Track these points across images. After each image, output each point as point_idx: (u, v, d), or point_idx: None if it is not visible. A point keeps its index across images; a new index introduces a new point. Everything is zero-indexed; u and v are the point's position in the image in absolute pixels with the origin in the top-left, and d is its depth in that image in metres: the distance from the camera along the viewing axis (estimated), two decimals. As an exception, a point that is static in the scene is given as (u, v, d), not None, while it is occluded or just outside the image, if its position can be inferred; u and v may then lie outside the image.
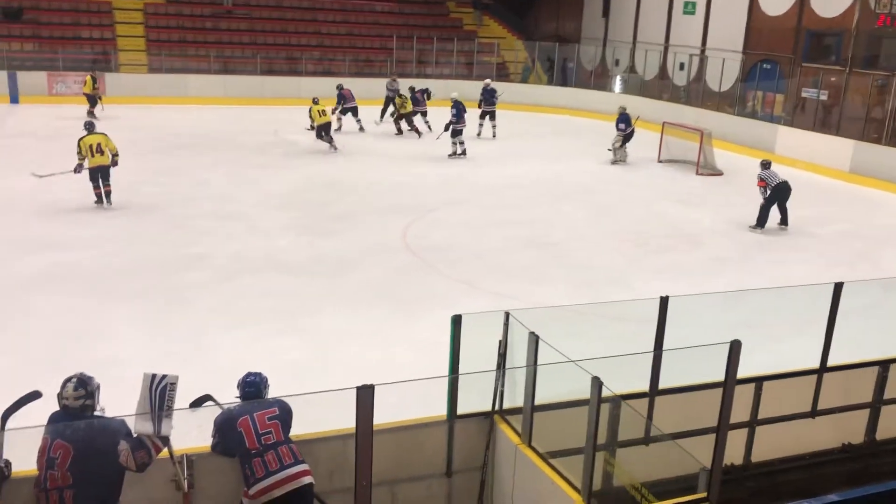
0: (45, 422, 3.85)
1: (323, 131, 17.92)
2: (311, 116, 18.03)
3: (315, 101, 17.90)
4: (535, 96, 26.96)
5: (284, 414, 4.29)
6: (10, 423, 3.81)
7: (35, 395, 3.89)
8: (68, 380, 3.83)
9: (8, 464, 3.79)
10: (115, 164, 12.34)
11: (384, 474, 4.12)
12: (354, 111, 20.43)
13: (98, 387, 3.93)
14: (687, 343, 4.56)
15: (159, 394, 3.63)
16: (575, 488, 4.22)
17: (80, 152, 12.14)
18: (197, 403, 4.23)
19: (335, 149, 17.84)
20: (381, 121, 21.61)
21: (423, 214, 13.09)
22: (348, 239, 11.55)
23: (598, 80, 27.92)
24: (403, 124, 20.58)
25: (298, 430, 4.37)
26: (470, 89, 23.02)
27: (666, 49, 26.47)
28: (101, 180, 12.27)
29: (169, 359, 6.79)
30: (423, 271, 10.37)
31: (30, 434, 3.69)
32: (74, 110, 19.58)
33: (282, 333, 8.07)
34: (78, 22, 26.10)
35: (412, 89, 21.12)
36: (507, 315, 4.85)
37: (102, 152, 12.13)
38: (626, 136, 18.19)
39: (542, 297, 9.01)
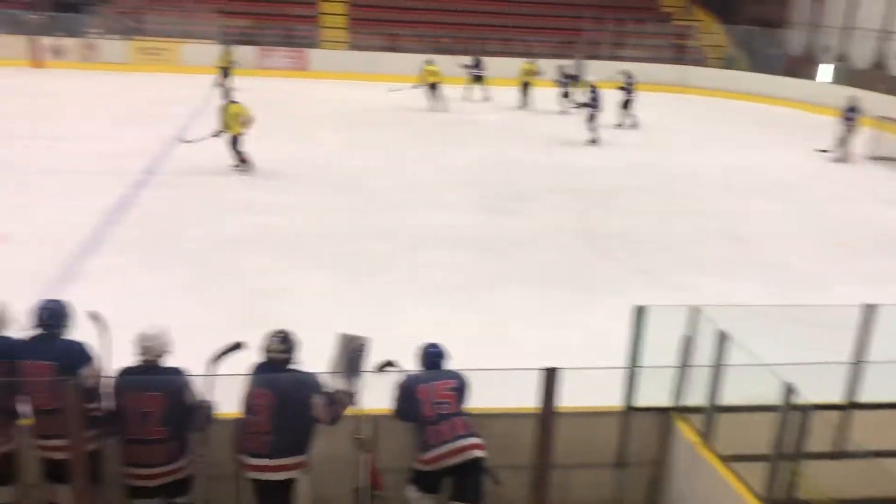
0: (247, 371, 4.18)
1: (433, 89, 20.26)
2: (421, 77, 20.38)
3: (429, 62, 20.59)
4: (734, 82, 25.60)
5: (462, 387, 4.40)
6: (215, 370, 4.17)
7: (239, 346, 4.23)
8: (273, 334, 4.14)
9: (212, 405, 4.16)
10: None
11: (556, 457, 4.12)
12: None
13: (297, 343, 4.21)
14: (892, 357, 4.20)
15: (351, 353, 3.84)
16: (756, 495, 4.03)
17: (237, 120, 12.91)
18: (381, 368, 4.43)
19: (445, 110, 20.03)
20: (569, 103, 21.30)
21: (605, 199, 12.86)
22: (527, 219, 11.59)
23: (804, 67, 26.03)
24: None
25: (475, 403, 4.46)
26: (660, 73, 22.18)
27: (884, 36, 24.18)
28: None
29: (352, 324, 7.14)
30: (602, 258, 10.20)
31: (236, 380, 4.04)
32: (281, 83, 20.91)
33: (458, 307, 8.23)
34: (287, 0, 27.79)
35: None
36: (694, 310, 4.67)
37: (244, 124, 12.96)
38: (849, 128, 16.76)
39: (730, 295, 8.58)
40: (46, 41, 24.92)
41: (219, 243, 9.80)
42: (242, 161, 13.11)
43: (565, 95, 21.10)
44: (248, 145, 13.21)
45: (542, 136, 17.84)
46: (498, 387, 4.14)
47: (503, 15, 28.26)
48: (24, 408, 4.22)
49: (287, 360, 4.10)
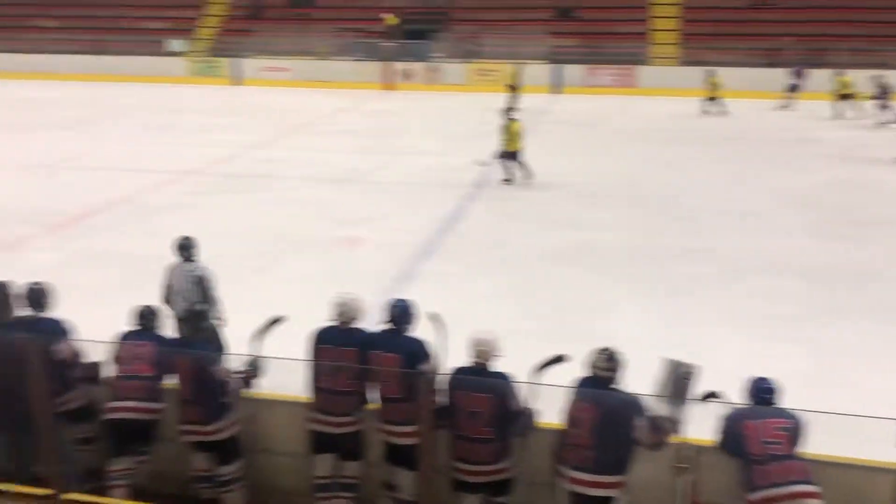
0: (569, 384, 4.27)
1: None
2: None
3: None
4: None
5: (796, 428, 4.07)
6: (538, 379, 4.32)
7: (562, 359, 4.33)
8: (601, 351, 4.19)
9: (534, 413, 4.32)
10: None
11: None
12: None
13: (622, 363, 4.21)
14: None
15: (678, 380, 3.75)
16: None
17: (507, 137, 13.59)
18: (705, 398, 4.26)
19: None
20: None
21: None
22: (871, 248, 10.39)
23: None
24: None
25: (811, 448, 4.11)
26: None
27: None
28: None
29: (665, 347, 6.96)
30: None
31: (557, 392, 4.16)
32: (608, 100, 21.09)
33: (782, 340, 7.62)
34: (615, 18, 27.92)
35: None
36: None
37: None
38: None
39: None
40: (397, 66, 27.78)
41: (540, 255, 10.14)
42: (521, 173, 13.56)
43: (883, 108, 19.11)
44: (553, 160, 13.46)
45: (881, 154, 15.87)
46: (838, 434, 3.77)
47: (853, 23, 25.63)
48: (373, 394, 4.74)
49: (612, 379, 4.12)
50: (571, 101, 21.79)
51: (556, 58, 26.27)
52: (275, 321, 4.89)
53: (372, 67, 27.91)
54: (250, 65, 28.70)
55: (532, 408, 4.30)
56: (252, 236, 10.89)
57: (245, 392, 4.86)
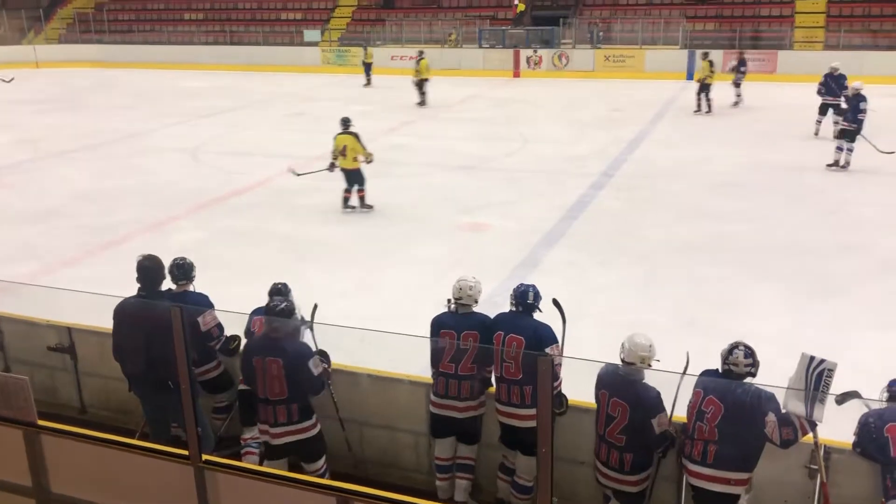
0: (697, 376, 4.14)
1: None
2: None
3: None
4: None
5: (946, 435, 3.77)
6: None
7: (856, 394, 4.05)
8: (738, 346, 3.98)
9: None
10: (368, 161, 11.28)
11: None
12: None
13: (758, 361, 4.03)
14: None
15: (815, 377, 3.56)
16: None
17: (332, 151, 11.43)
18: (843, 397, 4.02)
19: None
20: None
21: None
22: None
23: None
24: None
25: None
26: None
27: None
28: (349, 184, 11.49)
29: (806, 345, 6.61)
30: None
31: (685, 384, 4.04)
32: (747, 87, 20.13)
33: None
34: (758, 0, 26.64)
35: None
36: None
37: (345, 155, 11.25)
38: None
39: None
40: (525, 53, 27.64)
41: (670, 246, 9.85)
42: None
43: None
44: (687, 148, 12.97)
45: None
46: None
47: None
48: (493, 375, 4.78)
49: (747, 375, 3.94)
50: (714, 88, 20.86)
51: (692, 43, 25.35)
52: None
53: (500, 55, 27.89)
54: (380, 53, 29.32)
55: (675, 432, 4.17)
56: (379, 220, 11.17)
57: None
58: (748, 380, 3.94)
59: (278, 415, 4.56)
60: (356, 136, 11.29)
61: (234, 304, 5.10)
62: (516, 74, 27.50)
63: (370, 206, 11.53)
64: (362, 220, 11.23)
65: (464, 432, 4.81)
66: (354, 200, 11.55)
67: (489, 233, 10.59)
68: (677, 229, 10.49)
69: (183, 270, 5.26)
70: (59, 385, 6.03)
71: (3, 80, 25.11)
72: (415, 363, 5.13)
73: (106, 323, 5.17)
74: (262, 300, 5.00)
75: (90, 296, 5.28)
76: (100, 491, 3.57)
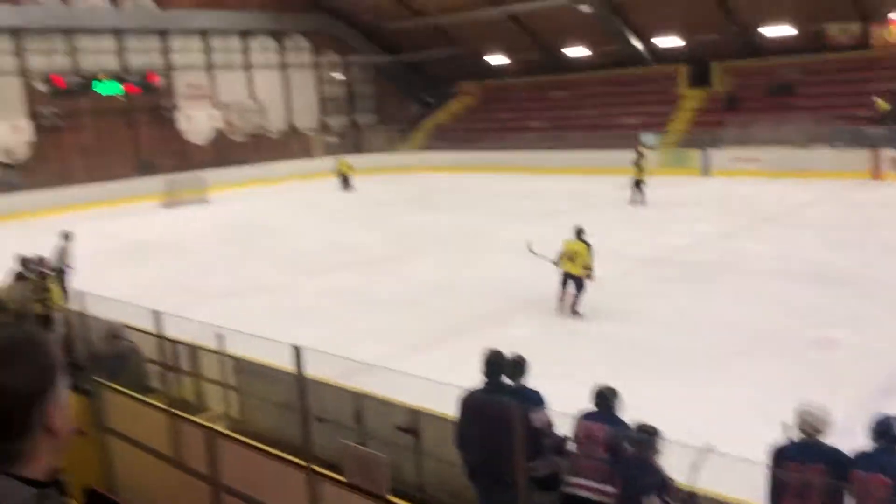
0: None
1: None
2: None
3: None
4: None
5: None
6: None
7: None
8: None
9: None
10: (587, 277, 11.58)
11: None
12: None
13: None
14: None
15: None
16: None
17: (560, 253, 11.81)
18: None
19: None
20: None
21: None
22: None
23: None
24: None
25: None
26: None
27: None
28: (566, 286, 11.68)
29: None
30: None
31: None
32: None
33: None
34: None
35: None
36: None
37: (573, 261, 11.57)
38: None
39: None
40: (886, 153, 25.01)
41: None
42: None
43: None
44: None
45: None
46: None
47: None
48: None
49: None
50: None
51: None
52: (707, 451, 4.24)
53: (855, 155, 25.58)
54: (720, 155, 28.57)
55: None
56: (711, 330, 10.66)
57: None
58: None
59: None
60: (588, 246, 11.78)
61: (562, 403, 5.20)
62: (876, 176, 24.95)
63: (580, 314, 11.59)
64: (697, 328, 10.82)
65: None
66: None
67: (841, 351, 9.56)
68: None
69: (520, 367, 5.51)
70: (402, 463, 6.57)
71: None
72: (750, 490, 4.74)
73: (447, 409, 5.57)
74: (586, 403, 5.03)
75: (435, 382, 5.76)
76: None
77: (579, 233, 12.01)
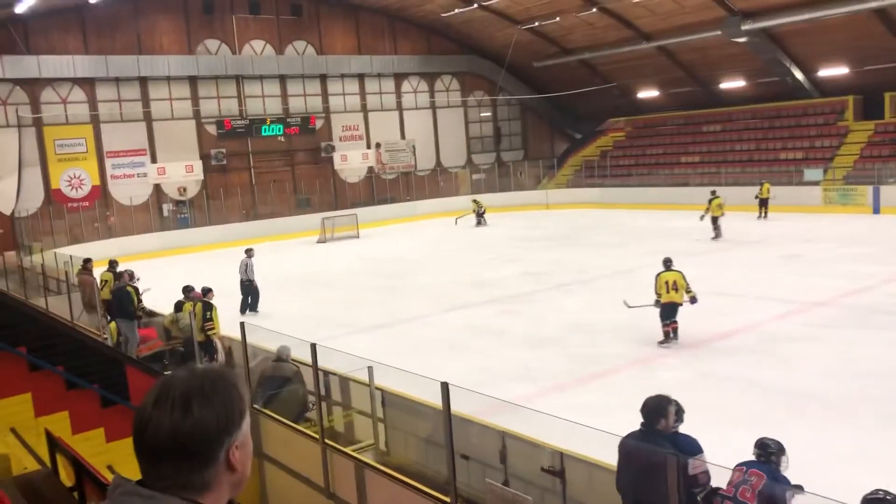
0: None
1: None
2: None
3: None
4: None
5: None
6: None
7: None
8: None
9: None
10: (692, 301, 12.01)
11: None
12: None
13: None
14: None
15: None
16: None
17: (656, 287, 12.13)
18: None
19: None
20: None
21: None
22: None
23: None
24: None
25: None
26: None
27: None
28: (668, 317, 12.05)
29: None
30: None
31: None
32: None
33: None
34: None
35: None
36: None
37: (677, 290, 11.88)
38: None
39: None
40: None
41: None
42: None
43: None
44: None
45: None
46: None
47: None
48: None
49: None
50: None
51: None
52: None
53: None
54: (891, 192, 26.55)
55: None
56: (878, 377, 9.82)
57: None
58: None
59: None
60: (681, 273, 12.14)
61: (712, 452, 4.94)
62: None
63: (676, 340, 12.03)
64: (859, 375, 10.00)
65: None
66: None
67: None
68: None
69: (678, 413, 5.30)
70: (546, 505, 6.44)
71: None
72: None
73: (593, 452, 5.43)
74: (743, 452, 4.74)
75: (581, 425, 5.62)
76: None
77: (668, 263, 12.43)
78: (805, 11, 28.67)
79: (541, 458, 6.42)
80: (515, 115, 44.07)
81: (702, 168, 33.84)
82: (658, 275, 12.17)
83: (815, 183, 29.36)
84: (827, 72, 32.29)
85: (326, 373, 7.99)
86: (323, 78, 37.07)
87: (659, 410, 5.08)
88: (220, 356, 11.26)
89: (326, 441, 6.10)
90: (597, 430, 5.26)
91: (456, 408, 5.92)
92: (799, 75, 33.01)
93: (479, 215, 31.83)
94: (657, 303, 12.08)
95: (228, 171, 34.48)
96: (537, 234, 27.77)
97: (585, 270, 19.45)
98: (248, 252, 17.19)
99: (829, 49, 30.78)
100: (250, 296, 16.72)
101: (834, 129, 31.62)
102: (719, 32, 31.36)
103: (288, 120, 35.67)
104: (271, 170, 35.66)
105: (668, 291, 11.92)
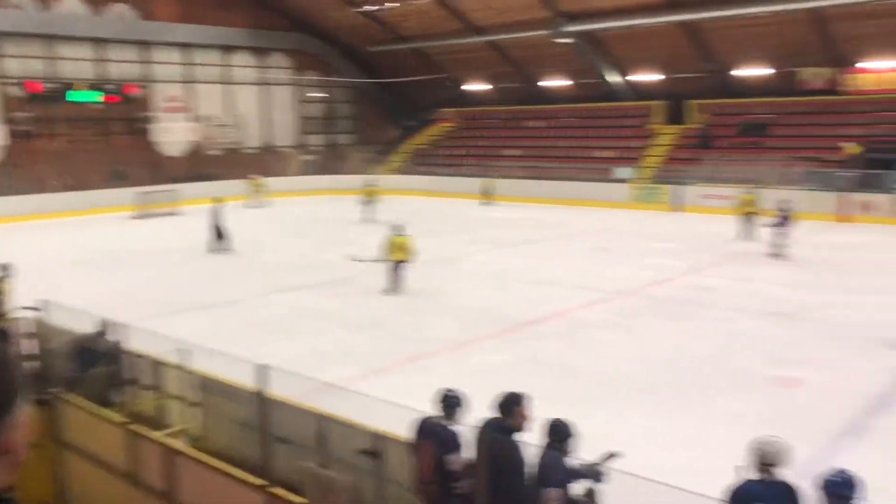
0: None
1: None
2: None
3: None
4: None
5: None
6: None
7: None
8: None
9: None
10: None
11: None
12: None
13: None
14: None
15: None
16: None
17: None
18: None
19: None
20: None
21: None
22: None
23: None
24: None
25: None
26: None
27: None
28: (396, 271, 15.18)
29: None
30: None
31: None
32: None
33: None
34: None
35: None
36: None
37: (402, 250, 15.18)
38: None
39: None
40: (854, 197, 25.54)
41: None
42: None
43: None
44: None
45: None
46: None
47: None
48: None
49: None
50: None
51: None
52: (611, 455, 5.07)
53: (823, 198, 26.10)
54: (691, 192, 28.99)
55: None
56: (674, 364, 10.75)
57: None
58: None
59: None
60: (410, 238, 15.26)
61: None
62: (844, 219, 25.44)
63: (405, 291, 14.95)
64: (651, 361, 10.90)
65: None
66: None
67: (804, 390, 9.68)
68: None
69: (449, 403, 5.49)
70: (364, 486, 6.48)
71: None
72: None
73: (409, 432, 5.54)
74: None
75: (399, 406, 5.71)
76: None
77: (398, 229, 15.39)
78: (624, 18, 30.73)
79: (359, 440, 6.46)
80: (349, 98, 43.74)
81: (523, 161, 35.23)
82: (389, 238, 15.22)
83: (624, 181, 31.47)
84: (641, 77, 34.68)
85: (138, 355, 7.60)
86: (145, 45, 34.95)
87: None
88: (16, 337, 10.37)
89: (132, 426, 5.81)
90: (415, 410, 5.39)
91: (277, 391, 5.83)
92: (617, 78, 35.21)
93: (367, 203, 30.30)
94: (384, 260, 15.16)
95: (35, 138, 31.71)
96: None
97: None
98: (218, 200, 21.04)
99: (645, 56, 33.09)
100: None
101: (643, 132, 34.01)
102: (546, 32, 32.78)
103: (106, 87, 33.31)
104: (84, 138, 33.19)
105: (395, 251, 15.07)
